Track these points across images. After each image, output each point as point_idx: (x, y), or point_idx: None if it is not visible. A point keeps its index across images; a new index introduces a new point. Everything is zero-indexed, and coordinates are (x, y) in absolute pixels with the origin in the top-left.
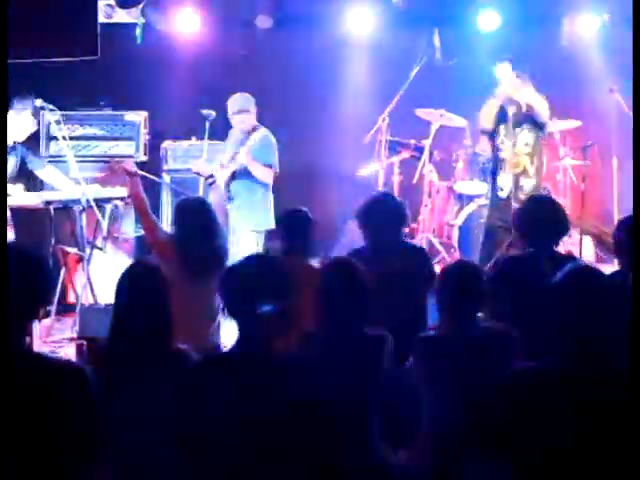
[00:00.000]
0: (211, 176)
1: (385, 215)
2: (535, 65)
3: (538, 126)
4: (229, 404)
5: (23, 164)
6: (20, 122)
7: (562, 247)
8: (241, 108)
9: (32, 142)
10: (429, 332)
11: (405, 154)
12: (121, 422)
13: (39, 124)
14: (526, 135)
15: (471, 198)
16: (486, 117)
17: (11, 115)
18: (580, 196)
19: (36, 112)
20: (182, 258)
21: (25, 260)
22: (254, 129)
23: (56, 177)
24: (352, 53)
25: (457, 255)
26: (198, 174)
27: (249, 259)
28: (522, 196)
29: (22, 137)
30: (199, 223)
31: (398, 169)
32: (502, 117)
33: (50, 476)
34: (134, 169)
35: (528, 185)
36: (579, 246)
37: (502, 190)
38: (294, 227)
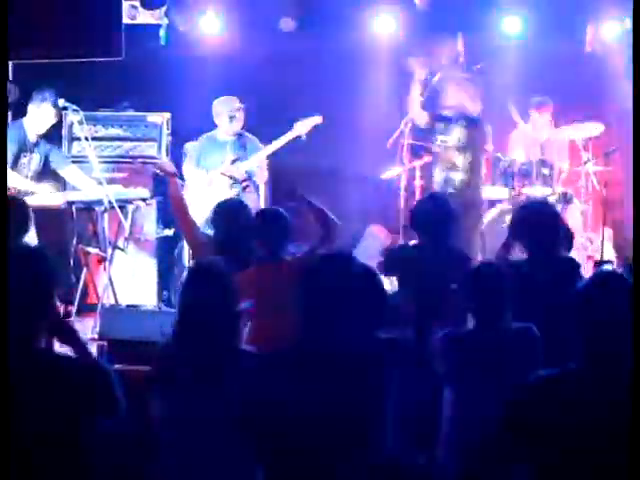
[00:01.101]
0: (245, 180)
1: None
2: (559, 71)
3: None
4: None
5: (46, 162)
6: (41, 115)
7: (583, 253)
8: (240, 106)
9: (55, 142)
10: (455, 330)
11: (427, 158)
12: (188, 423)
13: (61, 119)
14: (460, 131)
15: (493, 203)
16: (412, 107)
17: (31, 109)
18: (602, 202)
19: (57, 104)
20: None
21: (24, 258)
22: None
23: (78, 177)
24: (375, 56)
25: (479, 259)
26: (232, 178)
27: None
28: (451, 190)
29: (43, 129)
30: (238, 225)
31: (420, 173)
32: (439, 115)
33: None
34: (172, 170)
35: (457, 178)
36: (600, 252)
37: (435, 185)
38: (269, 228)
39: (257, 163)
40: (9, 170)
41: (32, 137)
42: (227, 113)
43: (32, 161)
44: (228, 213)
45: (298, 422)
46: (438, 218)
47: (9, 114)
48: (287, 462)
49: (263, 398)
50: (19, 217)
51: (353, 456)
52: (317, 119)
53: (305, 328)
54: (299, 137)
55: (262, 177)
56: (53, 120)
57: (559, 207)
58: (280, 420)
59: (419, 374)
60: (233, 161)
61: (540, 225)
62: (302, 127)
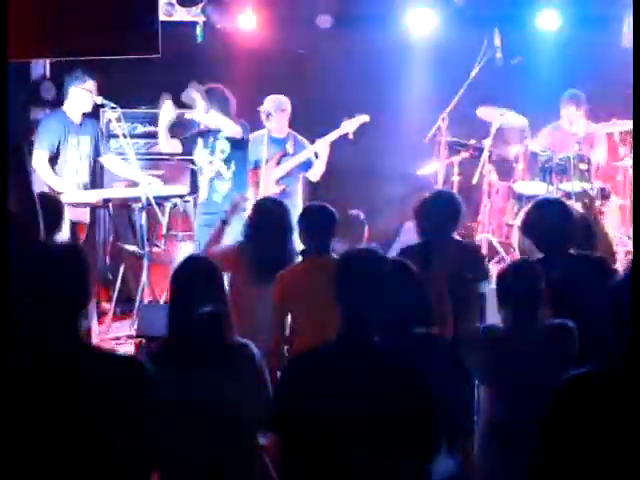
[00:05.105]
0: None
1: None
2: (595, 65)
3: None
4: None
5: (96, 144)
6: (80, 93)
7: (622, 248)
8: (285, 107)
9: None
10: (489, 327)
11: (465, 154)
12: (184, 417)
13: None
14: (222, 143)
15: (530, 198)
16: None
17: (72, 91)
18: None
19: (93, 78)
20: (252, 259)
21: (60, 255)
22: None
23: (118, 165)
24: (412, 52)
25: (516, 255)
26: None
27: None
28: (217, 199)
29: (88, 107)
30: (276, 224)
31: (458, 169)
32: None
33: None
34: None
35: (223, 188)
36: (634, 250)
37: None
38: (319, 224)
39: (302, 160)
40: (57, 177)
41: (77, 119)
42: (278, 107)
43: (81, 142)
44: (264, 212)
45: (332, 422)
46: (444, 214)
47: (47, 112)
48: (314, 461)
49: (297, 397)
50: (52, 214)
51: (384, 458)
52: (364, 118)
53: (341, 325)
54: (346, 135)
55: (317, 173)
56: (93, 96)
57: (598, 202)
58: (315, 420)
59: (454, 373)
60: (280, 158)
61: (546, 224)
62: (349, 126)
